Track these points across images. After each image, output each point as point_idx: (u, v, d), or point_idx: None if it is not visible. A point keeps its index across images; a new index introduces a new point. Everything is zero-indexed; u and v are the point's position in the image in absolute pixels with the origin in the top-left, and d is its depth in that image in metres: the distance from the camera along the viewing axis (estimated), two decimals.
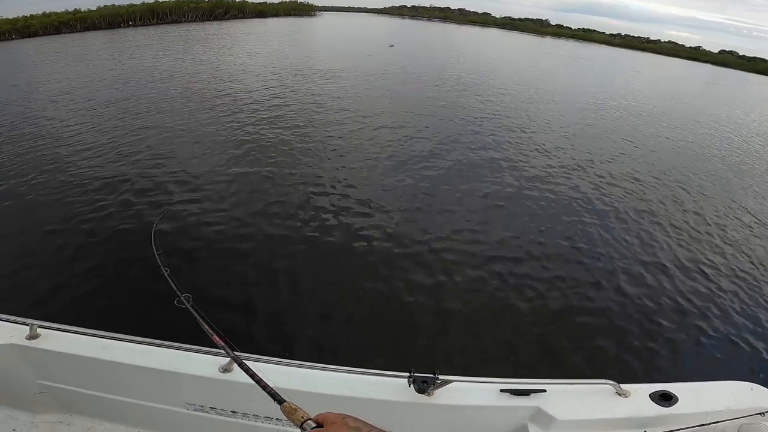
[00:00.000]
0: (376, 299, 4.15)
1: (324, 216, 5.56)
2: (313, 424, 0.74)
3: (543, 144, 9.57)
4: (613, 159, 9.12)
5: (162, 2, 39.66)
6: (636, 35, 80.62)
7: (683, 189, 7.75)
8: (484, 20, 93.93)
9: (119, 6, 34.78)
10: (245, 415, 1.56)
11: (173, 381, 1.50)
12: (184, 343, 1.54)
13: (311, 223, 5.36)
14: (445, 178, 7.12)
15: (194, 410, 1.60)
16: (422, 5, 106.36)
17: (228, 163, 7.14)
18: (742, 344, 3.98)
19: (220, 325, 1.37)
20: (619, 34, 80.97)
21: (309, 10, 69.55)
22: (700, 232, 6.10)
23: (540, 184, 7.20)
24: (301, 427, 0.76)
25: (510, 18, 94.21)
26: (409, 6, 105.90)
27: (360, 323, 3.88)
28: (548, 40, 67.54)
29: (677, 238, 5.84)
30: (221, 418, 1.58)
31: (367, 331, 3.79)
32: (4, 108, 10.40)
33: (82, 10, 30.34)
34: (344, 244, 5.01)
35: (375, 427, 0.71)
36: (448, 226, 5.58)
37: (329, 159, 7.66)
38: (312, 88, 13.54)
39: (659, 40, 78.30)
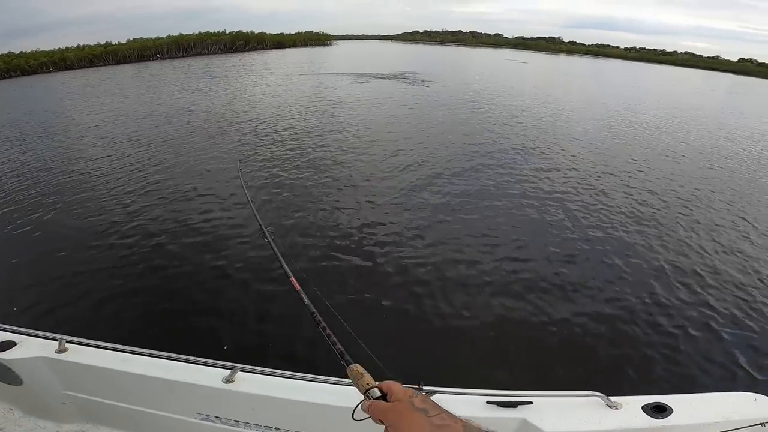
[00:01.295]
0: (362, 309, 4.08)
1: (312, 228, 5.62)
2: (378, 393, 0.72)
3: (533, 158, 9.77)
4: (609, 171, 8.82)
5: (186, 35, 42.02)
6: (652, 48, 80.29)
7: (682, 200, 7.36)
8: (495, 41, 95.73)
9: (147, 39, 36.94)
10: (247, 424, 1.62)
11: (184, 391, 1.58)
12: (192, 355, 1.63)
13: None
14: (437, 195, 6.91)
15: (201, 419, 1.66)
16: (434, 30, 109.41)
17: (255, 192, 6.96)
18: (749, 355, 3.64)
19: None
20: (634, 48, 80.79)
21: (325, 40, 72.54)
22: (700, 242, 5.70)
23: (531, 196, 7.06)
24: (365, 393, 0.74)
25: (522, 38, 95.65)
26: (421, 31, 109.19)
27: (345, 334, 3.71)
28: (562, 57, 68.01)
29: (673, 248, 5.50)
30: (226, 427, 1.64)
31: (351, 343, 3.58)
32: (37, 140, 10.97)
33: (114, 43, 32.29)
34: (330, 255, 4.96)
35: (445, 411, 0.64)
36: (430, 238, 5.45)
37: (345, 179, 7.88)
38: (331, 115, 13.40)
39: (675, 51, 77.53)
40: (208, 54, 44.76)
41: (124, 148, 10.06)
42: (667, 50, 77.82)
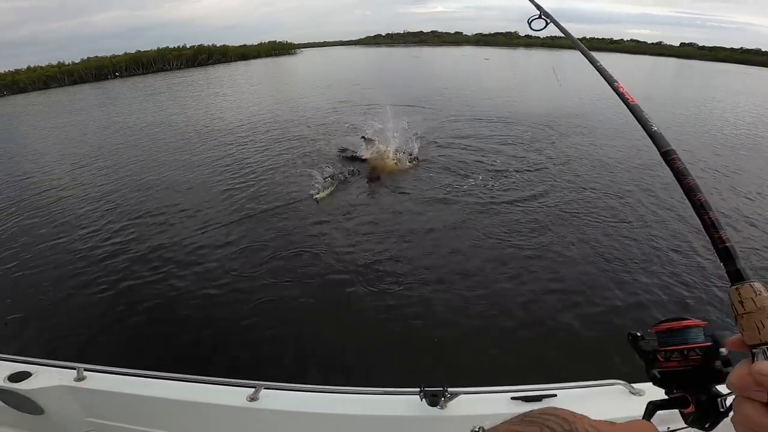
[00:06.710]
0: (380, 319, 4.29)
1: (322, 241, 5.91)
2: None
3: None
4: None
5: (144, 52, 41.77)
6: (599, 37, 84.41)
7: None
8: (456, 39, 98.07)
9: (103, 57, 36.53)
10: None
11: (208, 412, 1.59)
12: (214, 376, 1.66)
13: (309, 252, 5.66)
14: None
15: None
16: (396, 32, 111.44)
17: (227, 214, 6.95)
18: None
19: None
20: (584, 38, 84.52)
21: (289, 49, 72.76)
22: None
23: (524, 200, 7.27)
24: (754, 348, 0.45)
25: (481, 34, 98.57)
26: (383, 35, 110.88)
27: (363, 344, 3.94)
28: (521, 51, 70.37)
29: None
30: None
31: (371, 352, 3.83)
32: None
33: (66, 63, 31.79)
34: (344, 267, 5.18)
35: None
36: (437, 244, 5.75)
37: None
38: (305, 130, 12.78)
39: (622, 39, 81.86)
40: (170, 70, 44.14)
41: (93, 174, 9.91)
42: (615, 38, 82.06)
